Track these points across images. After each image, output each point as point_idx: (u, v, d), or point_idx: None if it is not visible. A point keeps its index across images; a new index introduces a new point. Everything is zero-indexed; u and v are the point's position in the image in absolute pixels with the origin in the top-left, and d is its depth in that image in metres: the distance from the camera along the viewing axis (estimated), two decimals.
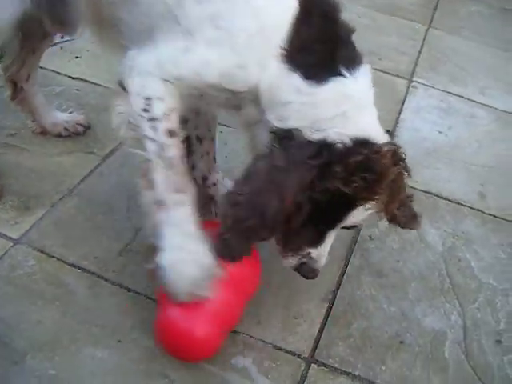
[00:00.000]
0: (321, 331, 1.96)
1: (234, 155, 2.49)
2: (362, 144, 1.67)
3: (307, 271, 1.86)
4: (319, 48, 1.69)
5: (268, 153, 1.69)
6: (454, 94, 3.37)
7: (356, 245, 2.28)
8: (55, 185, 2.29)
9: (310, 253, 1.82)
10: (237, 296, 1.78)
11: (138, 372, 1.76)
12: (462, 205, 2.58)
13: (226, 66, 1.68)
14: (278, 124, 1.70)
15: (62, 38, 3.02)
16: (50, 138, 2.51)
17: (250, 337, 1.90)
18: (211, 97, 1.79)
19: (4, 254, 2.02)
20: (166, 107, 1.71)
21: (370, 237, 2.32)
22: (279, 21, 1.67)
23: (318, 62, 1.69)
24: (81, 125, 2.57)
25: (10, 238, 2.07)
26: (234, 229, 1.67)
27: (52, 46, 2.95)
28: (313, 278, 1.88)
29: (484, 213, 2.56)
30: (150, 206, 1.73)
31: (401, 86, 3.37)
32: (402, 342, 1.98)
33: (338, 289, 2.10)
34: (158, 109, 1.71)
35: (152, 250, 1.71)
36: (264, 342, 1.89)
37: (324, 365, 1.87)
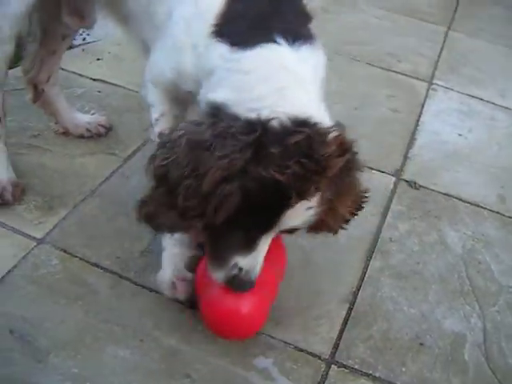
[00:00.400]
0: (341, 332, 1.96)
1: None
2: (302, 124, 1.46)
3: (237, 285, 1.61)
4: (252, 17, 1.57)
5: (193, 125, 1.52)
6: (473, 97, 3.37)
7: (376, 246, 2.28)
8: (78, 185, 2.32)
9: (237, 264, 1.58)
10: (273, 274, 1.80)
11: (160, 371, 1.77)
12: (481, 207, 2.58)
13: (173, 57, 1.73)
14: (209, 96, 1.56)
15: (83, 40, 3.05)
16: (73, 139, 2.54)
17: (272, 337, 1.91)
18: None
19: (27, 254, 2.04)
20: (158, 113, 1.83)
21: (391, 239, 2.32)
22: (214, 2, 1.61)
23: (247, 29, 1.56)
24: (103, 126, 2.59)
25: (34, 238, 2.10)
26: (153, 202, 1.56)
27: (74, 48, 3.01)
28: (244, 290, 1.63)
29: (504, 215, 2.56)
30: None
31: (420, 88, 3.37)
32: (422, 344, 1.98)
33: (358, 290, 2.10)
34: (152, 115, 1.86)
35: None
36: (285, 342, 1.90)
37: (344, 366, 1.87)
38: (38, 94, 2.47)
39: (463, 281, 2.22)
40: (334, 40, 3.67)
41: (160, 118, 1.84)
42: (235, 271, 1.58)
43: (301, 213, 1.51)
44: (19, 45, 2.21)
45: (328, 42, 3.56)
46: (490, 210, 2.57)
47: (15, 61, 2.37)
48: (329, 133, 1.47)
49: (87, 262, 2.04)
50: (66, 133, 2.55)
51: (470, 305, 2.13)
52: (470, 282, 2.22)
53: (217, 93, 1.54)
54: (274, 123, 1.44)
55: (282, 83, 1.51)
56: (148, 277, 2.02)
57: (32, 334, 1.81)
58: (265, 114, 1.45)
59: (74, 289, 1.96)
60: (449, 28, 4.13)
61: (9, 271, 1.97)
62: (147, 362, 1.79)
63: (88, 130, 2.55)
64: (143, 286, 1.99)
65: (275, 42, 1.53)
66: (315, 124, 1.47)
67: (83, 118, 2.58)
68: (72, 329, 1.85)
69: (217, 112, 1.51)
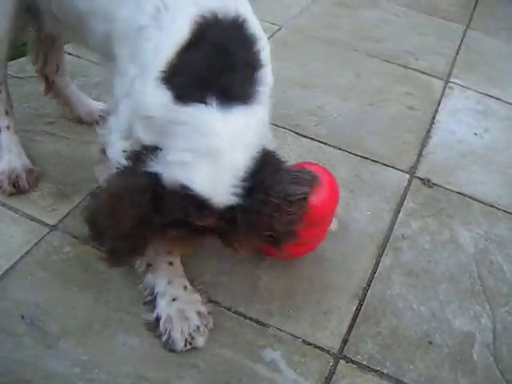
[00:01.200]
0: (350, 328, 1.96)
1: None
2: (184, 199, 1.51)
3: None
4: (196, 74, 1.57)
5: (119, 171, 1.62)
6: (490, 96, 3.35)
7: (388, 243, 2.27)
8: (92, 173, 2.28)
9: None
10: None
11: (168, 360, 1.78)
12: (496, 208, 2.56)
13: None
14: (140, 134, 1.63)
15: None
16: (88, 126, 2.54)
17: (280, 330, 1.91)
18: None
19: (40, 240, 2.05)
20: None
21: (403, 236, 2.32)
22: (168, 48, 1.59)
23: (189, 85, 1.56)
24: None
25: (47, 225, 2.11)
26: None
27: None
28: None
29: None
30: (142, 265, 1.92)
31: (437, 86, 3.35)
32: (430, 343, 1.97)
33: (368, 286, 2.10)
34: None
35: None
36: (294, 336, 1.90)
37: (352, 361, 1.88)
38: (50, 85, 2.48)
39: (474, 280, 2.21)
40: (350, 35, 3.68)
41: None
42: None
43: None
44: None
45: (344, 38, 3.61)
46: (505, 211, 2.55)
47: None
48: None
49: (99, 249, 2.05)
50: (81, 120, 2.56)
51: (481, 305, 2.13)
52: (482, 282, 2.21)
53: (147, 137, 1.60)
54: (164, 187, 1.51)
55: (192, 147, 1.52)
56: None
57: (43, 320, 1.83)
58: (166, 174, 1.51)
59: (85, 276, 1.97)
60: (467, 26, 4.10)
61: (21, 257, 1.99)
62: (156, 351, 1.80)
63: (102, 116, 2.55)
64: None
65: (206, 103, 1.52)
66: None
67: (96, 105, 2.59)
68: (82, 316, 1.86)
69: (138, 153, 1.58)
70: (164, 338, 1.82)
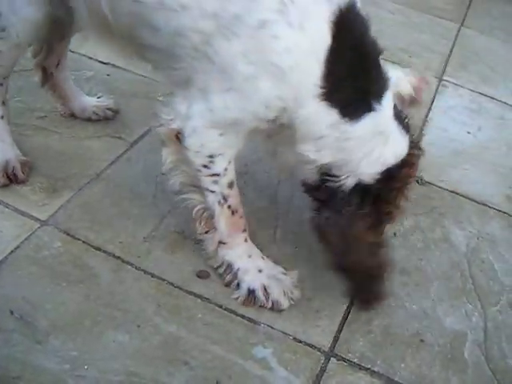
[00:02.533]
0: (341, 326, 1.96)
1: None
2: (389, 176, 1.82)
3: None
4: (353, 83, 1.71)
5: (325, 216, 1.83)
6: (484, 95, 3.35)
7: None
8: (83, 168, 2.31)
9: None
10: None
11: (159, 357, 1.77)
12: (488, 206, 2.56)
13: (268, 99, 1.69)
14: (312, 156, 1.78)
15: None
16: (80, 121, 2.54)
17: (271, 328, 1.90)
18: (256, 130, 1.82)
19: (31, 235, 2.04)
20: (226, 161, 1.84)
21: (395, 234, 2.31)
22: (313, 57, 1.65)
23: (352, 99, 1.71)
24: (110, 109, 2.59)
25: (38, 220, 2.09)
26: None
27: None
28: None
29: (510, 215, 2.54)
30: (213, 244, 1.98)
31: (431, 84, 3.34)
32: (422, 341, 1.97)
33: None
34: (220, 166, 1.84)
35: None
36: (285, 333, 1.90)
37: (343, 359, 1.87)
38: (47, 77, 2.46)
39: (466, 279, 2.21)
40: None
41: (229, 166, 1.87)
42: None
43: None
44: None
45: None
46: (497, 210, 2.55)
47: None
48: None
49: (90, 245, 2.04)
50: (73, 115, 2.54)
51: (472, 303, 2.13)
52: (473, 280, 2.21)
53: (322, 155, 1.78)
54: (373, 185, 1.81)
55: (374, 146, 1.77)
56: (150, 262, 2.02)
57: (32, 315, 1.81)
58: (363, 177, 1.80)
59: (75, 272, 1.96)
60: (461, 24, 4.10)
61: (11, 252, 1.97)
62: (146, 347, 1.79)
63: (95, 113, 2.55)
64: (145, 271, 1.99)
65: (373, 109, 1.73)
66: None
67: (90, 102, 2.58)
68: (72, 311, 1.85)
69: (324, 172, 1.81)
70: (269, 305, 1.93)
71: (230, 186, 1.89)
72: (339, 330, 1.95)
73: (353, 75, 1.69)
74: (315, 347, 1.89)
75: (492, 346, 2.00)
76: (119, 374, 1.71)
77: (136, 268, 2.00)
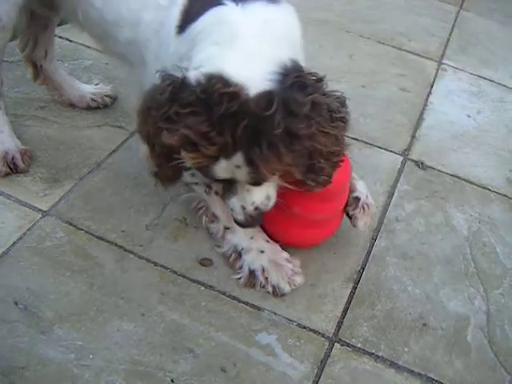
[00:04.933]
0: (345, 311, 1.96)
1: None
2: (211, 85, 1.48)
3: (239, 224, 1.81)
4: None
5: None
6: (483, 78, 3.34)
7: (382, 226, 2.27)
8: (84, 158, 2.31)
9: (229, 204, 1.77)
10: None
11: (163, 345, 1.78)
12: (489, 190, 2.56)
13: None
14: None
15: None
16: (79, 111, 2.53)
17: (275, 314, 1.91)
18: None
19: (33, 226, 2.04)
20: None
21: (397, 218, 2.31)
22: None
23: (200, 6, 1.64)
24: (108, 96, 2.58)
25: (39, 210, 2.09)
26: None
27: None
28: (243, 226, 1.82)
29: (511, 198, 2.54)
30: (220, 231, 2.02)
31: (430, 68, 3.34)
32: (425, 325, 1.98)
33: (363, 269, 2.10)
34: None
35: None
36: (288, 319, 1.90)
37: (347, 344, 1.88)
38: (38, 71, 2.45)
39: (468, 263, 2.21)
40: (343, 17, 3.66)
41: None
42: (231, 212, 1.78)
43: (229, 169, 1.57)
44: None
45: (337, 19, 3.58)
46: (498, 193, 2.55)
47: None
48: (237, 90, 1.47)
49: (92, 234, 2.04)
50: (72, 105, 2.54)
51: (475, 287, 2.13)
52: (475, 264, 2.21)
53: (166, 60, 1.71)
54: (190, 81, 1.50)
55: (216, 39, 1.56)
56: (153, 251, 2.02)
57: (36, 306, 1.82)
58: (192, 72, 1.52)
59: (78, 261, 1.96)
60: (460, 7, 4.09)
61: (14, 243, 1.98)
62: (150, 335, 1.80)
63: (93, 100, 2.54)
64: (148, 260, 2.00)
65: (221, 4, 1.59)
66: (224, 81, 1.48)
67: (87, 89, 2.57)
68: (76, 301, 1.85)
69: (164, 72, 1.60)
70: (269, 287, 1.94)
71: None
72: (343, 316, 1.95)
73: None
74: (319, 333, 1.89)
75: (495, 328, 2.01)
76: (124, 362, 1.72)
77: (139, 257, 2.00)
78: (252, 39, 1.55)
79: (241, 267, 1.99)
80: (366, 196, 2.08)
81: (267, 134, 1.47)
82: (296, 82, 1.53)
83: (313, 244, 2.09)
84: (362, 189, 2.08)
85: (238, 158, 1.53)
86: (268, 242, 2.00)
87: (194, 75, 1.51)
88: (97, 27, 2.03)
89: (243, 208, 1.74)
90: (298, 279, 1.97)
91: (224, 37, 1.54)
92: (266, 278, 1.95)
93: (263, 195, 1.73)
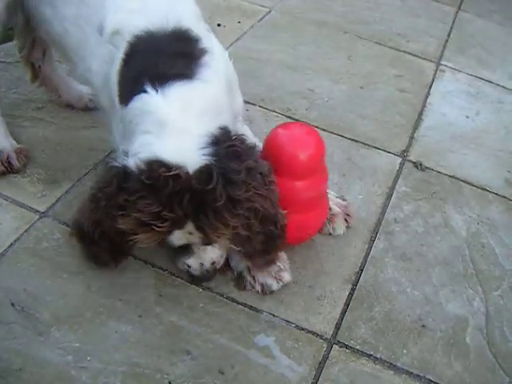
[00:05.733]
0: (343, 313, 1.96)
1: None
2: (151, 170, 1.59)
3: (198, 280, 1.91)
4: (132, 74, 1.73)
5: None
6: (482, 79, 3.34)
7: (380, 227, 2.27)
8: (82, 159, 2.30)
9: (186, 264, 1.83)
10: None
11: (161, 347, 1.77)
12: (487, 191, 2.56)
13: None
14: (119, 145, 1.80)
15: None
16: (77, 111, 2.53)
17: (273, 316, 1.90)
18: None
19: (30, 227, 2.03)
20: None
21: (395, 219, 2.31)
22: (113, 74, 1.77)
23: (128, 86, 1.74)
24: None
25: (37, 211, 2.09)
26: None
27: None
28: (201, 281, 1.92)
29: (510, 200, 2.54)
30: None
31: (428, 69, 3.34)
32: (424, 326, 1.97)
33: (361, 271, 2.10)
34: None
35: None
36: (287, 321, 1.90)
37: (346, 346, 1.87)
38: (36, 72, 2.44)
39: (467, 264, 2.21)
40: (341, 17, 3.65)
41: None
42: (188, 269, 1.85)
43: (183, 236, 1.69)
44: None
45: (335, 20, 3.58)
46: (496, 194, 2.55)
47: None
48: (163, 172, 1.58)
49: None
50: (70, 106, 2.53)
51: (473, 288, 2.13)
52: (474, 265, 2.21)
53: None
54: (132, 168, 1.62)
55: (145, 128, 1.66)
56: (150, 252, 2.01)
57: (34, 307, 1.81)
58: (130, 161, 1.63)
59: (76, 263, 1.95)
60: (459, 8, 4.08)
61: (11, 244, 1.97)
62: (148, 337, 1.79)
63: (91, 100, 2.53)
64: (146, 262, 1.99)
65: (143, 91, 1.67)
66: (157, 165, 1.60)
67: (85, 90, 2.55)
68: (74, 303, 1.85)
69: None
70: (257, 287, 1.96)
71: None
72: (341, 317, 1.95)
73: (136, 69, 1.74)
74: (317, 335, 1.89)
75: (493, 330, 2.00)
76: (122, 364, 1.72)
77: (136, 258, 1.99)
78: (178, 122, 1.64)
79: (228, 271, 2.00)
80: (345, 207, 2.22)
81: (212, 205, 1.60)
82: (229, 151, 1.66)
83: (307, 234, 2.10)
84: (335, 205, 2.19)
85: (190, 225, 1.64)
86: None
87: (133, 163, 1.61)
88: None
89: (201, 265, 1.82)
90: (285, 276, 1.98)
91: (153, 125, 1.64)
92: (254, 277, 1.96)
93: (218, 252, 1.84)
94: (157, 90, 1.65)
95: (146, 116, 1.66)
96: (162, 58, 1.72)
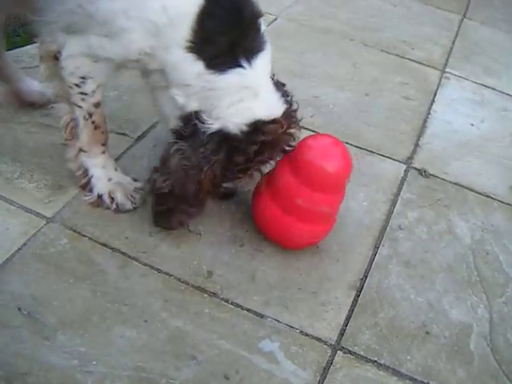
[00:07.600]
0: (348, 319, 1.97)
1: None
2: (256, 129, 1.91)
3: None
4: (221, 40, 1.85)
5: (179, 146, 1.94)
6: (487, 87, 3.35)
7: (385, 234, 2.27)
8: None
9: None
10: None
11: (166, 352, 1.78)
12: (492, 198, 2.57)
13: (140, 48, 1.89)
14: (180, 100, 1.95)
15: None
16: None
17: (278, 321, 1.91)
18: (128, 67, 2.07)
19: (37, 232, 2.05)
20: (96, 85, 2.04)
21: (400, 226, 2.32)
22: (185, 14, 1.82)
23: (219, 54, 1.86)
24: None
25: (44, 217, 2.10)
26: (162, 210, 2.05)
27: None
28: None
29: None
30: (74, 150, 2.18)
31: (433, 76, 3.35)
32: (428, 333, 1.98)
33: (366, 277, 2.10)
34: (89, 87, 2.03)
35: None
36: (291, 327, 1.91)
37: (350, 352, 1.88)
38: None
39: (471, 271, 2.22)
40: (347, 25, 3.67)
41: (97, 89, 2.05)
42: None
43: None
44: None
45: (341, 27, 3.60)
46: (501, 202, 2.56)
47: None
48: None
49: (96, 241, 2.05)
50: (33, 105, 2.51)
51: (477, 295, 2.13)
52: (478, 272, 2.21)
53: (191, 101, 1.94)
54: (237, 134, 1.91)
55: (242, 97, 1.91)
56: (157, 257, 2.03)
57: (40, 312, 1.82)
58: (228, 125, 1.91)
59: (82, 268, 1.96)
60: (464, 16, 4.10)
61: (18, 249, 1.98)
62: (154, 342, 1.80)
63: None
64: (152, 267, 2.00)
65: (240, 65, 1.87)
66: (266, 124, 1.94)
67: (36, 83, 2.51)
68: (80, 308, 1.86)
69: (192, 120, 1.94)
70: (113, 207, 2.17)
71: (97, 105, 2.08)
72: (345, 323, 1.95)
73: (223, 33, 1.85)
74: (322, 340, 1.89)
75: (497, 337, 2.01)
76: (127, 369, 1.72)
77: (142, 263, 2.01)
78: (264, 87, 1.95)
79: (90, 190, 2.18)
80: None
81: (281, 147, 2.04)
82: (290, 97, 2.08)
83: (312, 241, 2.13)
84: None
85: None
86: (116, 170, 2.23)
87: (233, 126, 1.91)
88: None
89: None
90: (138, 198, 2.20)
91: (248, 95, 1.91)
92: (112, 199, 2.16)
93: None
94: (249, 62, 1.88)
95: (242, 88, 1.89)
96: (242, 23, 1.87)
